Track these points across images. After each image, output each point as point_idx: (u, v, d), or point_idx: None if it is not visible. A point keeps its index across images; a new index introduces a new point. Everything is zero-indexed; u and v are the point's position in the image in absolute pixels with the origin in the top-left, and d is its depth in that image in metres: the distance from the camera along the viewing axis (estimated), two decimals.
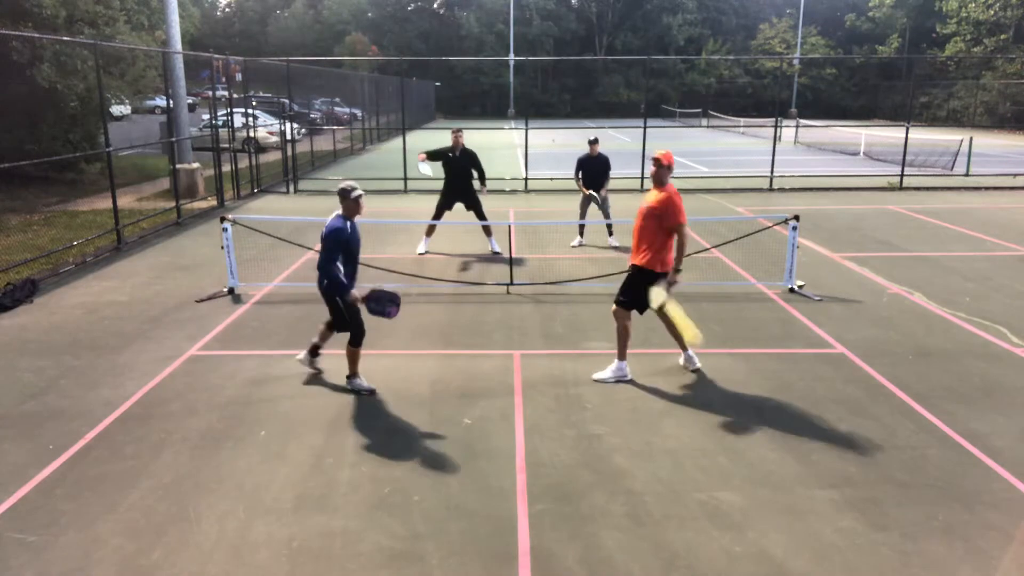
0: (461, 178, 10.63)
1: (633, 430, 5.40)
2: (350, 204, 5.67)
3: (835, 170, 20.91)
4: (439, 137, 30.65)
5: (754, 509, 4.41)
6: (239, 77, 18.40)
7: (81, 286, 9.23)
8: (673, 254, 5.99)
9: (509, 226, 11.19)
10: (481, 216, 10.79)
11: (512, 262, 9.46)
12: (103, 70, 12.52)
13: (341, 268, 5.70)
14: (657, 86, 58.29)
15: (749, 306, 8.40)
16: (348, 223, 5.65)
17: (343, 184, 5.66)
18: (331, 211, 5.85)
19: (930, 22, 53.18)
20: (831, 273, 9.82)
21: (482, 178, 10.71)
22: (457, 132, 10.55)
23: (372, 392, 5.99)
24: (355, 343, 5.92)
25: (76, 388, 6.13)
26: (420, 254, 10.81)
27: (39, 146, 15.24)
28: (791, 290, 8.89)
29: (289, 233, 11.15)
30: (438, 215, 10.78)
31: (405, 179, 17.79)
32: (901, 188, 17.76)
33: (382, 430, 5.41)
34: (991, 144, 30.69)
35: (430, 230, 10.96)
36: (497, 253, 10.77)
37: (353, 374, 6.05)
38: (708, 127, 46.41)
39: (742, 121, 43.04)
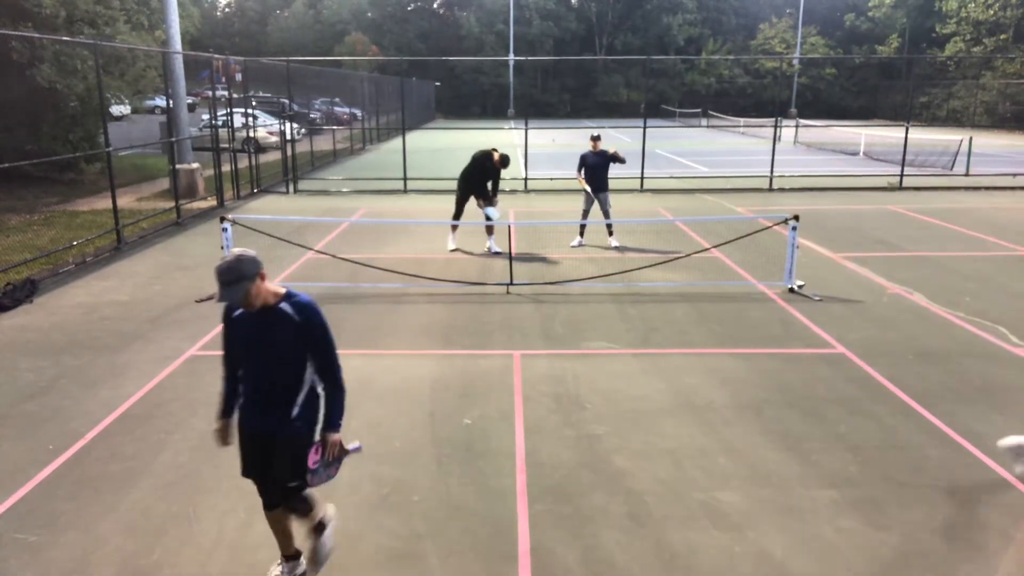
0: (483, 176, 10.91)
1: (633, 430, 5.40)
2: None
3: (835, 170, 20.91)
4: (440, 137, 30.66)
5: (754, 509, 4.41)
6: (239, 77, 18.38)
7: (81, 286, 9.23)
8: None
9: (509, 226, 11.20)
10: (488, 215, 11.00)
11: (512, 262, 9.46)
12: (103, 70, 12.52)
13: (227, 381, 3.56)
14: (657, 86, 58.28)
15: (749, 306, 8.40)
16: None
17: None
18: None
19: (930, 22, 53.19)
20: (831, 273, 9.82)
21: (495, 190, 11.02)
22: (499, 155, 10.82)
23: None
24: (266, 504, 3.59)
25: (76, 388, 6.13)
26: (451, 251, 11.09)
27: (39, 146, 15.23)
28: (791, 290, 8.89)
29: (289, 233, 11.16)
30: (459, 212, 11.06)
31: (405, 179, 17.79)
32: (901, 188, 17.76)
33: (382, 430, 5.40)
34: (991, 144, 30.68)
35: (455, 226, 11.20)
36: (497, 253, 10.83)
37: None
38: (708, 127, 46.38)
39: (742, 121, 43.00)
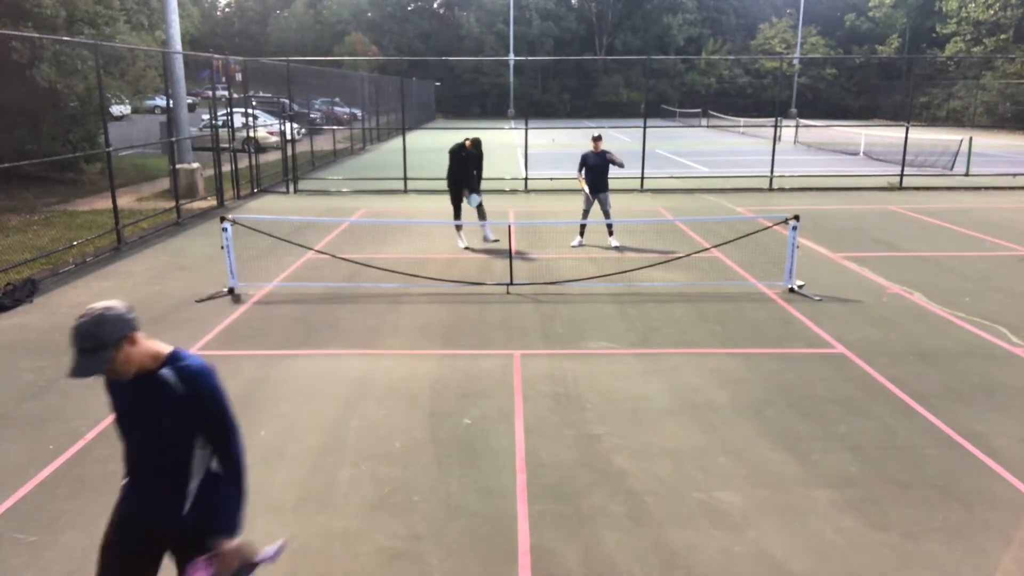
0: (464, 167, 11.23)
1: (633, 430, 5.40)
2: None
3: (835, 170, 20.90)
4: (440, 136, 30.65)
5: (754, 509, 4.41)
6: (239, 77, 18.39)
7: (81, 286, 9.23)
8: None
9: (509, 226, 11.21)
10: (480, 211, 11.25)
11: (512, 262, 9.46)
12: (103, 70, 12.52)
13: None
14: (657, 86, 58.25)
15: (749, 306, 8.40)
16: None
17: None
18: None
19: (930, 22, 53.20)
20: (831, 273, 9.82)
21: (479, 176, 11.42)
22: (470, 141, 11.27)
23: None
24: None
25: (76, 388, 6.12)
26: (464, 248, 11.19)
27: (39, 146, 15.24)
28: (791, 290, 8.89)
29: (289, 233, 11.16)
30: (458, 212, 11.26)
31: (405, 179, 17.79)
32: (901, 188, 17.76)
33: (382, 430, 5.41)
34: (991, 144, 30.69)
35: (459, 226, 11.37)
36: (495, 241, 11.10)
37: None
38: (708, 127, 46.36)
39: (742, 121, 42.98)
